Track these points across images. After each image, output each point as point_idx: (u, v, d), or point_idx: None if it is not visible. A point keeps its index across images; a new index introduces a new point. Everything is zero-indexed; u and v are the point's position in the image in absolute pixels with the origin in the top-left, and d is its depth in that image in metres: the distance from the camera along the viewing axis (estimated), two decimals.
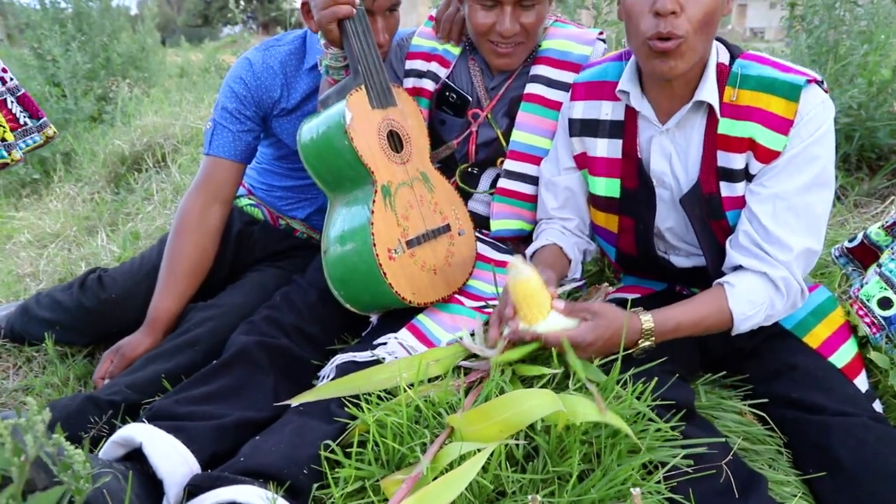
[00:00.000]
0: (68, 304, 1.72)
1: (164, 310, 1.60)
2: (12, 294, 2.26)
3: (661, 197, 1.40)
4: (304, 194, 1.90)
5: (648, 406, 1.11)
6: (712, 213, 1.34)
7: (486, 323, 1.39)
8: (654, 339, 1.24)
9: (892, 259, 1.42)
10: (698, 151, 1.32)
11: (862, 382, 1.35)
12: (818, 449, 1.22)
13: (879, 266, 1.45)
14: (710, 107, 1.28)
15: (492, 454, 1.00)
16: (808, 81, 1.22)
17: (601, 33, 1.65)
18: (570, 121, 1.48)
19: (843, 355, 1.36)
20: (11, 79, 1.51)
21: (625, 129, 1.40)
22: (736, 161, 1.28)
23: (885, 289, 1.40)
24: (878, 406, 1.33)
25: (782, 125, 1.22)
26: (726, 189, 1.31)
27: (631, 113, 1.39)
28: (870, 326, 1.40)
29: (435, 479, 0.93)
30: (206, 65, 6.53)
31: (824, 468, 1.20)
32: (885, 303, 1.40)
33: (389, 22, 1.61)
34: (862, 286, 1.45)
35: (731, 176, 1.30)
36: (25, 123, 1.52)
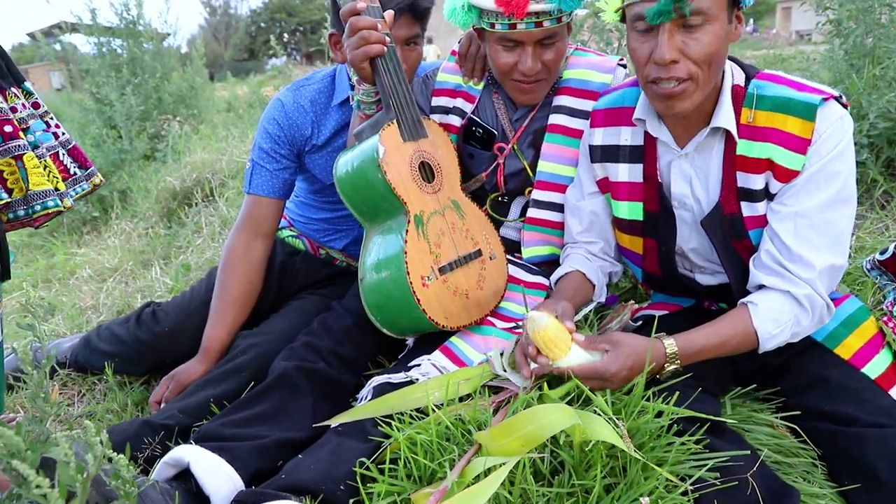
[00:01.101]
0: (125, 337, 1.84)
1: (216, 339, 1.70)
2: (76, 326, 2.41)
3: (683, 218, 1.42)
4: (340, 226, 1.98)
5: (672, 420, 1.13)
6: (734, 234, 1.35)
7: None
8: (679, 362, 1.25)
9: None
10: (718, 173, 1.34)
11: None
12: (853, 461, 1.21)
13: None
14: (728, 130, 1.31)
15: (518, 469, 1.04)
16: (825, 99, 1.23)
17: (621, 60, 1.68)
18: (591, 147, 1.52)
19: (877, 365, 1.35)
20: (63, 133, 1.65)
21: (644, 153, 1.43)
22: (756, 182, 1.29)
23: None
24: None
25: (800, 145, 1.23)
26: (747, 209, 1.32)
27: (650, 138, 1.42)
28: None
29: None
30: (250, 99, 6.80)
31: (860, 480, 1.20)
32: None
33: (408, 55, 1.67)
34: (895, 301, 1.43)
35: (752, 196, 1.31)
36: (75, 174, 1.65)
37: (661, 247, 1.48)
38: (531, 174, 1.69)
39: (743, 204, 1.33)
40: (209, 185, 3.72)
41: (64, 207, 1.56)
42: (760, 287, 1.31)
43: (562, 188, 1.65)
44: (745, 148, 1.29)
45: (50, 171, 1.55)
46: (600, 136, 1.50)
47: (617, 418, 1.11)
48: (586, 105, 1.61)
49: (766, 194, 1.30)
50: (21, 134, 1.50)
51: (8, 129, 1.45)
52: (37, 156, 1.53)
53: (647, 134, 1.42)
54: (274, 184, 1.78)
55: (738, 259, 1.38)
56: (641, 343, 1.23)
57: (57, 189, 1.54)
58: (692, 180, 1.38)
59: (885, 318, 1.42)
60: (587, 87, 1.64)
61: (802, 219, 1.25)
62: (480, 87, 1.74)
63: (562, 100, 1.65)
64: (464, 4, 1.53)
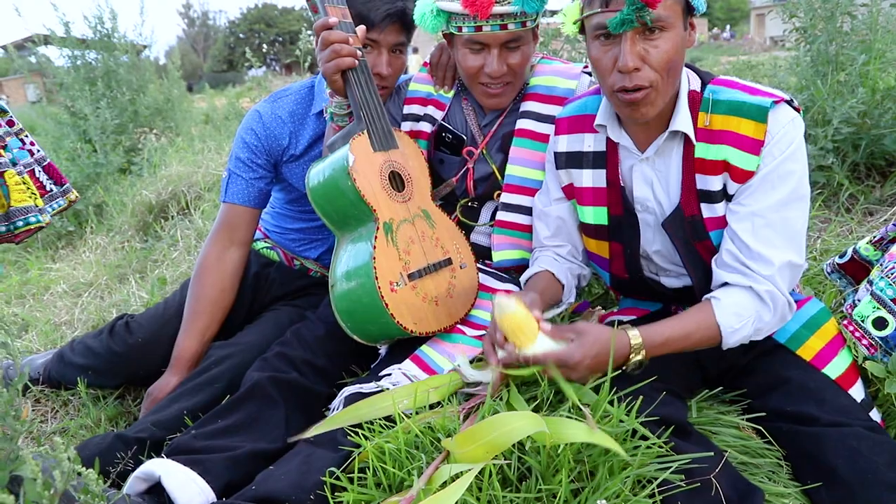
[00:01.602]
0: (99, 349, 1.84)
1: (187, 349, 1.70)
2: (50, 342, 2.39)
3: (646, 221, 1.46)
4: (315, 235, 2.00)
5: (638, 423, 1.15)
6: (696, 235, 1.39)
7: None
8: (644, 353, 1.27)
9: (882, 277, 1.42)
10: (678, 176, 1.38)
11: (858, 392, 1.36)
12: (814, 460, 1.24)
13: (870, 284, 1.45)
14: (686, 133, 1.35)
15: (486, 475, 1.06)
16: (776, 102, 1.28)
17: (586, 67, 1.73)
18: (556, 154, 1.55)
19: (837, 366, 1.38)
20: (38, 150, 1.68)
21: (607, 159, 1.47)
22: (713, 183, 1.33)
23: (878, 308, 1.40)
24: (875, 415, 1.34)
25: (754, 146, 1.28)
26: (707, 210, 1.36)
27: (612, 143, 1.45)
28: (868, 348, 1.41)
29: None
30: (228, 111, 6.78)
31: (821, 479, 1.22)
32: (879, 322, 1.40)
33: (394, 61, 1.72)
34: (855, 304, 1.47)
35: (711, 197, 1.35)
36: (51, 190, 1.69)
37: (626, 250, 1.51)
38: (500, 178, 1.72)
39: (703, 205, 1.36)
40: (185, 199, 3.71)
41: (44, 223, 1.58)
42: (723, 285, 1.34)
43: (530, 191, 1.68)
44: (702, 151, 1.33)
45: (28, 188, 1.57)
46: (564, 143, 1.54)
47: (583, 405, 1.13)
48: (553, 110, 1.65)
49: (725, 195, 1.34)
50: (2, 151, 1.53)
51: None
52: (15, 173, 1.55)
53: (609, 140, 1.46)
54: (249, 192, 1.79)
55: (699, 260, 1.42)
56: (606, 333, 1.25)
57: (36, 206, 1.56)
58: (653, 184, 1.41)
59: (845, 322, 1.46)
60: (553, 93, 1.68)
61: (759, 218, 1.29)
62: (451, 94, 1.78)
63: (529, 105, 1.69)
64: (432, 9, 1.57)
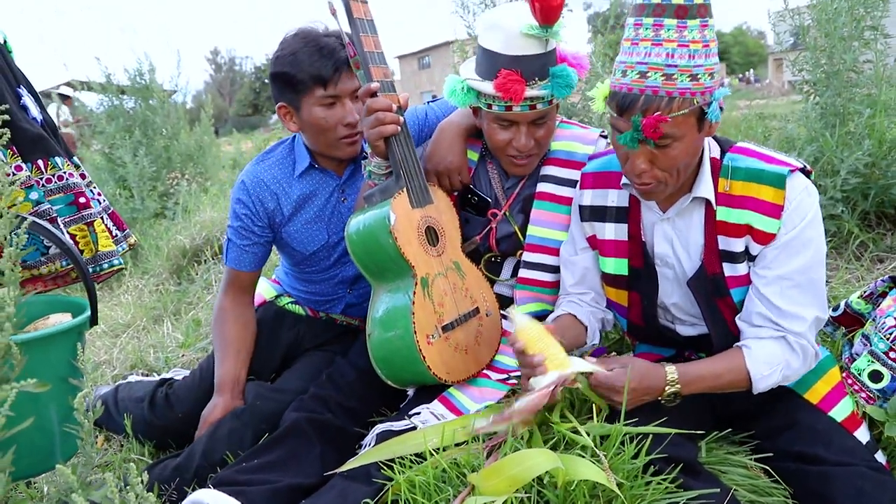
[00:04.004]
0: (139, 418, 1.93)
1: (226, 372, 1.82)
2: (90, 381, 2.51)
3: (665, 275, 1.56)
4: (333, 294, 2.06)
5: (647, 461, 1.24)
6: (717, 292, 1.49)
7: (508, 396, 1.56)
8: (679, 386, 1.39)
9: (876, 333, 1.53)
10: (699, 237, 1.48)
11: (863, 434, 1.43)
12: (820, 499, 1.31)
13: (868, 341, 1.55)
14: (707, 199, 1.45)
15: None
16: (791, 171, 1.38)
17: (603, 132, 1.84)
18: (581, 207, 1.66)
19: (842, 409, 1.46)
20: (104, 199, 1.84)
21: (629, 214, 1.58)
22: (736, 245, 1.44)
23: (873, 361, 1.51)
24: (881, 457, 1.41)
25: (774, 210, 1.38)
26: (729, 269, 1.46)
27: (635, 199, 1.56)
28: (866, 400, 1.50)
29: None
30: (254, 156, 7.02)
31: None
32: (875, 375, 1.50)
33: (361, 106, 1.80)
34: (853, 357, 1.56)
35: (733, 258, 1.45)
36: (116, 235, 1.85)
37: (643, 300, 1.61)
38: (521, 237, 1.82)
39: (725, 265, 1.46)
40: (218, 243, 3.87)
41: (122, 266, 1.76)
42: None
43: (550, 250, 1.78)
44: (724, 214, 1.44)
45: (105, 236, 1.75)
46: (589, 197, 1.64)
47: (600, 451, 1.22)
48: (572, 174, 1.75)
49: (747, 255, 1.44)
50: (92, 203, 1.71)
51: (82, 199, 1.68)
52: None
53: (632, 196, 1.56)
54: (245, 258, 1.91)
55: (719, 315, 1.51)
56: (648, 365, 1.39)
57: (114, 250, 1.74)
58: (673, 241, 1.52)
59: (844, 374, 1.54)
60: (572, 158, 1.79)
61: (787, 281, 1.39)
62: (476, 157, 1.88)
63: (549, 169, 1.80)
64: (463, 87, 1.66)
